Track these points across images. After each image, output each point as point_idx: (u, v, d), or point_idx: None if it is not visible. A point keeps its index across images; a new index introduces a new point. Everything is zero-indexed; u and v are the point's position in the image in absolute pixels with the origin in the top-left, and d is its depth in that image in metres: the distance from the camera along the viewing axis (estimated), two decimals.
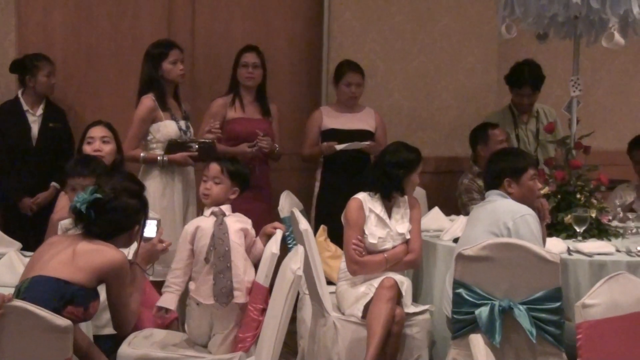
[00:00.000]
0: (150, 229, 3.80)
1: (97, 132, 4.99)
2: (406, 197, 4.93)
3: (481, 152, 6.00)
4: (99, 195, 3.45)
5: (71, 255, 3.38)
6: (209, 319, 4.22)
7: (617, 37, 4.99)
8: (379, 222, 4.83)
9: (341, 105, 6.14)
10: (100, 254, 3.41)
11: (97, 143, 4.95)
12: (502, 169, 4.56)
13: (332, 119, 6.08)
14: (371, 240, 4.78)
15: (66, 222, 4.24)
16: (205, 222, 4.22)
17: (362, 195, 4.87)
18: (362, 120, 6.11)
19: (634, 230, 5.15)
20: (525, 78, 6.32)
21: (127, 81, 5.95)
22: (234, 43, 6.16)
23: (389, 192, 4.84)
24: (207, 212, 4.27)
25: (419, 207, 5.00)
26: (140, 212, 3.59)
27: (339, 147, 5.86)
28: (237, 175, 4.33)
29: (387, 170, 4.83)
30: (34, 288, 3.31)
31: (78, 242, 3.44)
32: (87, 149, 4.96)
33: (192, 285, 4.22)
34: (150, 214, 3.81)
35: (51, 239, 3.69)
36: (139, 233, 3.63)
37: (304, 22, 6.65)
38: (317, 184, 6.11)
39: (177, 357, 4.09)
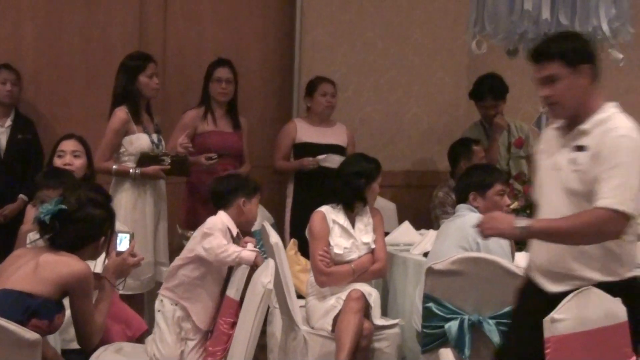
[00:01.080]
0: (122, 243, 3.75)
1: (69, 145, 4.96)
2: (368, 207, 4.97)
3: (464, 167, 6.01)
4: (63, 206, 3.41)
5: (34, 267, 3.34)
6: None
7: None
8: (343, 232, 4.86)
9: (314, 119, 6.14)
10: (63, 265, 3.37)
11: (68, 157, 4.91)
12: (469, 184, 4.61)
13: (306, 132, 6.09)
14: (337, 251, 4.81)
15: (34, 234, 4.22)
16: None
17: (324, 208, 4.91)
18: (335, 135, 6.13)
19: None
20: (484, 89, 6.37)
21: (97, 92, 5.93)
22: (206, 55, 6.15)
23: (352, 202, 4.90)
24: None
25: (381, 216, 5.04)
26: (106, 223, 3.54)
27: (321, 159, 5.86)
28: None
29: (349, 181, 4.89)
30: None
31: (42, 254, 3.39)
32: (58, 162, 4.92)
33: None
34: (122, 227, 3.78)
35: (16, 251, 3.65)
36: (105, 245, 3.59)
37: (276, 35, 6.67)
38: (290, 200, 6.10)
39: None
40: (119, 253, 3.72)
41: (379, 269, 4.88)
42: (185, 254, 4.34)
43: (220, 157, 5.73)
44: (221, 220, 4.34)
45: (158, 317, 4.33)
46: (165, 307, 4.31)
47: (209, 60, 5.93)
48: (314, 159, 5.89)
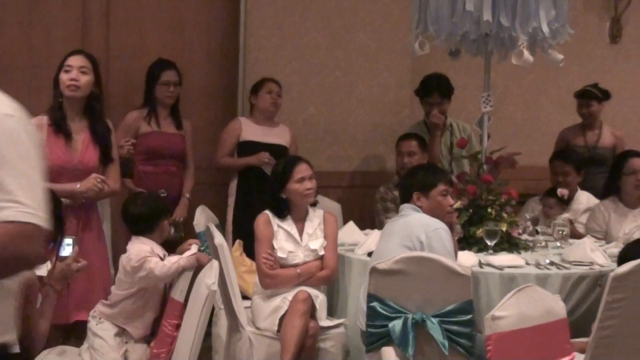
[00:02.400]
0: (66, 249, 3.69)
1: (76, 61, 4.80)
2: (321, 211, 4.97)
3: (399, 162, 6.12)
4: None
5: None
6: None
7: (527, 54, 5.11)
8: (288, 237, 4.86)
9: (259, 118, 6.15)
10: None
11: (75, 72, 4.77)
12: (412, 183, 4.64)
13: (250, 130, 6.10)
14: (281, 254, 4.81)
15: None
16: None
17: (269, 211, 4.91)
18: (279, 136, 6.15)
19: (543, 244, 5.27)
20: (432, 85, 6.44)
21: (39, 93, 5.85)
22: (149, 56, 6.12)
23: (276, 207, 4.90)
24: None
25: (335, 222, 5.02)
26: (54, 231, 3.47)
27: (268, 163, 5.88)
28: None
29: (271, 186, 4.93)
30: None
31: None
32: (64, 77, 4.77)
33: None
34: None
35: None
36: (53, 252, 3.55)
37: (220, 36, 6.65)
38: (232, 199, 6.10)
39: None
40: (62, 258, 3.66)
41: (326, 276, 4.87)
42: (124, 289, 4.33)
43: (163, 159, 5.72)
44: (144, 248, 4.33)
45: (95, 328, 4.32)
46: (103, 323, 4.33)
47: (152, 61, 5.90)
48: (270, 157, 5.90)
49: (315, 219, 4.93)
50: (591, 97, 6.85)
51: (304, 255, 4.84)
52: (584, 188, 6.31)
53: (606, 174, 6.12)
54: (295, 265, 4.82)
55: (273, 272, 4.77)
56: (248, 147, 6.03)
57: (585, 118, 6.89)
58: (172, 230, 5.31)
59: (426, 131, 6.47)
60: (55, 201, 3.70)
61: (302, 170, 4.87)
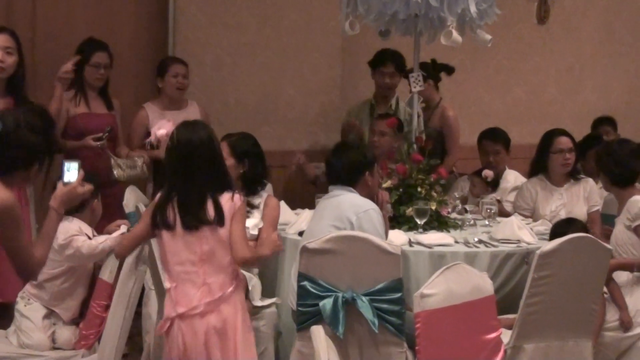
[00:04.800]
0: (71, 172, 3.54)
1: (1, 41, 4.71)
2: (265, 194, 4.93)
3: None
4: None
5: None
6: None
7: (455, 34, 5.16)
8: None
9: (165, 102, 6.02)
10: None
11: (0, 54, 4.68)
12: (364, 162, 4.60)
13: (157, 118, 5.90)
14: None
15: None
16: None
17: None
18: (188, 117, 6.01)
19: (472, 222, 5.33)
20: (388, 56, 6.40)
21: None
22: (77, 36, 6.01)
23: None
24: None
25: (277, 207, 4.87)
26: (42, 150, 3.34)
27: None
28: None
29: None
30: None
31: None
32: None
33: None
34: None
35: None
36: (39, 174, 3.38)
37: (149, 15, 6.58)
38: (151, 184, 5.98)
39: (15, 356, 4.01)
40: (66, 183, 3.51)
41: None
42: (52, 268, 4.28)
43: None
44: (72, 227, 4.29)
45: (23, 310, 4.27)
46: (33, 305, 4.29)
47: (80, 40, 5.80)
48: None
49: (255, 200, 4.86)
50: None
51: None
52: None
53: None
54: None
55: None
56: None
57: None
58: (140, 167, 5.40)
59: (368, 110, 6.45)
60: (50, 123, 3.52)
61: None
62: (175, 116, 5.87)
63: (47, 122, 3.44)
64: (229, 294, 3.81)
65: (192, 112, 6.00)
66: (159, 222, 3.83)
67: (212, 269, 3.81)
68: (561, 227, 4.76)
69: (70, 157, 5.53)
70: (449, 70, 6.70)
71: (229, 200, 3.84)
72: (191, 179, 3.80)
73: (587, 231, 4.65)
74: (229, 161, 4.74)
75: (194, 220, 3.78)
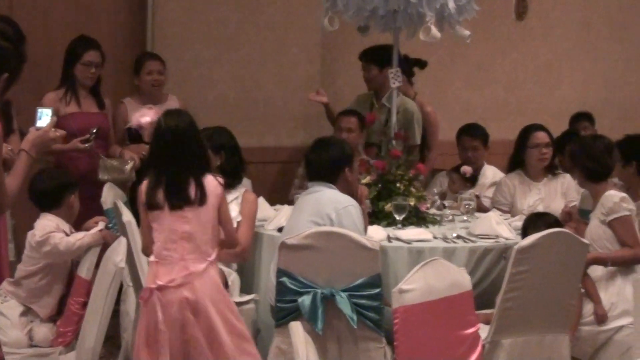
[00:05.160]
0: (43, 119, 3.58)
1: None
2: (243, 189, 4.97)
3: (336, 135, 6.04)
4: None
5: None
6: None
7: (434, 30, 5.17)
8: None
9: (145, 97, 6.00)
10: None
11: None
12: (342, 158, 4.61)
13: (136, 112, 5.85)
14: None
15: None
16: None
17: None
18: None
19: (450, 218, 5.35)
20: (363, 52, 6.40)
21: None
22: (55, 32, 6.01)
23: None
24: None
25: (254, 203, 4.95)
26: (12, 59, 3.34)
27: None
28: None
29: None
30: None
31: None
32: None
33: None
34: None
35: None
36: (6, 85, 3.37)
37: (127, 10, 6.55)
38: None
39: None
40: (39, 128, 3.53)
41: (236, 253, 4.77)
42: (30, 265, 4.27)
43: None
44: (49, 224, 4.29)
45: (0, 307, 4.26)
46: (10, 302, 4.28)
47: (58, 35, 5.78)
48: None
49: (233, 194, 4.92)
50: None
51: None
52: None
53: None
54: None
55: None
56: (137, 129, 5.75)
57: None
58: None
59: (369, 103, 6.37)
60: (20, 34, 3.59)
61: None
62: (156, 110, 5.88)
63: (18, 32, 3.50)
64: (202, 270, 3.89)
65: (172, 106, 5.95)
66: (152, 204, 3.93)
67: (190, 247, 3.90)
68: (531, 220, 4.80)
69: (60, 159, 5.55)
70: (421, 64, 6.70)
71: (213, 180, 3.98)
72: (177, 162, 3.94)
73: (559, 225, 4.68)
74: None
75: (179, 201, 3.91)
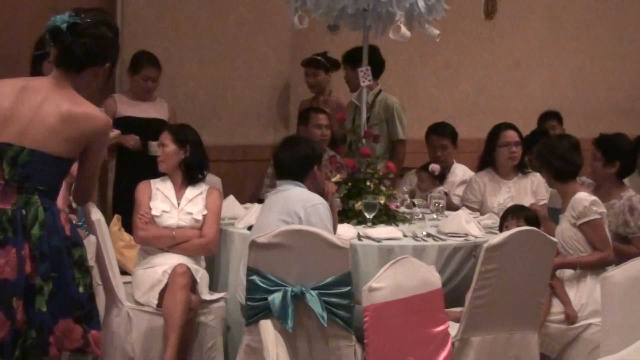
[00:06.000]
0: None
1: None
2: (207, 186, 5.02)
3: (301, 134, 6.05)
4: (78, 20, 3.38)
5: (57, 121, 3.32)
6: None
7: (404, 29, 5.17)
8: (165, 199, 4.93)
9: (134, 95, 6.10)
10: (86, 120, 3.38)
11: None
12: (312, 157, 4.62)
13: (126, 106, 6.01)
14: (155, 212, 4.86)
15: None
16: None
17: (152, 179, 5.02)
18: (156, 110, 6.08)
19: (420, 216, 5.37)
20: (346, 55, 6.55)
21: None
22: (21, 29, 5.95)
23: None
24: None
25: (219, 198, 5.03)
26: (114, 48, 3.51)
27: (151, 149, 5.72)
28: None
29: None
30: (38, 166, 3.30)
31: (56, 97, 3.37)
32: None
33: None
34: None
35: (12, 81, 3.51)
36: (105, 75, 3.55)
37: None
38: (112, 175, 5.99)
39: None
40: None
41: (203, 243, 4.87)
42: None
43: None
44: None
45: None
46: None
47: (26, 35, 5.72)
48: (136, 142, 5.82)
49: (198, 189, 4.99)
50: (318, 66, 6.70)
51: (178, 217, 4.87)
52: None
53: None
54: (170, 227, 4.85)
55: (147, 226, 4.83)
56: (126, 123, 5.88)
57: (311, 87, 6.77)
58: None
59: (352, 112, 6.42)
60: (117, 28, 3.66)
61: (159, 139, 5.03)
62: (144, 107, 6.02)
63: (116, 25, 3.60)
64: None
65: (160, 107, 6.15)
66: None
67: None
68: (511, 210, 4.85)
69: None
70: (338, 64, 6.76)
71: None
72: None
73: (537, 223, 4.73)
74: (171, 147, 4.96)
75: None
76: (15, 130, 3.32)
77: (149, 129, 5.83)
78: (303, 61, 6.75)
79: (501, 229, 4.86)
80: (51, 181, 3.35)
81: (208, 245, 4.88)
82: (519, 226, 4.65)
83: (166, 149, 4.95)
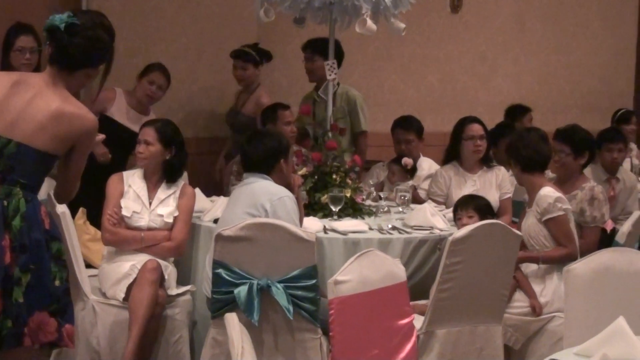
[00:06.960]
0: None
1: None
2: (182, 183, 4.96)
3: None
4: (76, 21, 3.37)
5: (47, 118, 3.31)
6: None
7: (370, 23, 5.20)
8: (137, 198, 4.84)
9: (134, 102, 5.94)
10: (76, 119, 3.36)
11: None
12: (280, 150, 4.62)
13: (120, 109, 5.87)
14: (125, 213, 4.78)
15: None
16: None
17: (127, 171, 4.94)
18: None
19: (386, 209, 5.39)
20: (307, 42, 6.53)
21: None
22: None
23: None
24: None
25: (192, 197, 4.95)
26: (109, 51, 3.49)
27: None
28: None
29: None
30: (22, 160, 3.30)
31: (48, 94, 3.35)
32: None
33: None
34: None
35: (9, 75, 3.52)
36: (97, 77, 3.54)
37: (62, 1, 6.47)
38: None
39: None
40: None
41: (171, 247, 4.81)
42: None
43: None
44: None
45: None
46: None
47: None
48: (106, 158, 5.59)
49: (172, 188, 4.90)
50: (247, 59, 6.53)
51: (149, 218, 4.81)
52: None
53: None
54: (139, 228, 4.79)
55: (115, 228, 4.75)
56: (110, 126, 5.62)
57: (239, 81, 6.64)
58: None
59: (316, 95, 6.41)
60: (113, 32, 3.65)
61: (142, 133, 4.92)
62: (136, 119, 5.81)
63: (112, 30, 3.59)
64: None
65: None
66: None
67: None
68: (462, 202, 4.91)
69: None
70: (270, 56, 6.68)
71: None
72: None
73: (490, 209, 4.83)
74: (156, 147, 4.83)
75: None
76: (4, 122, 3.32)
77: (131, 142, 5.32)
78: (231, 53, 6.55)
79: (455, 222, 4.92)
80: (34, 175, 3.36)
81: (177, 249, 4.83)
82: (469, 217, 4.75)
83: (151, 147, 4.82)
